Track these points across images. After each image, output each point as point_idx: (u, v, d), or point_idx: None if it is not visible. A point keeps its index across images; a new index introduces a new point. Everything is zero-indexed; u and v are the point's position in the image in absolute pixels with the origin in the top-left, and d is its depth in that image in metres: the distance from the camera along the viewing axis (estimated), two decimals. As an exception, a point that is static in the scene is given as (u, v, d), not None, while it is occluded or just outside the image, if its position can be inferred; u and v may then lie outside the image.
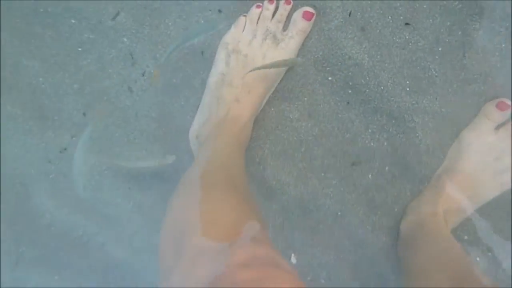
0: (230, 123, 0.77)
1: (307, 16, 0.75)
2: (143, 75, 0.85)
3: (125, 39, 0.83)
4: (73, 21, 0.83)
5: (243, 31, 0.78)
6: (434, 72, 0.77)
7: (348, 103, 0.81)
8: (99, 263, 1.05)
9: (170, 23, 0.82)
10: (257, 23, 0.77)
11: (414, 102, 0.79)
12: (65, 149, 0.93)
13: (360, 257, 0.90)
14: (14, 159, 0.96)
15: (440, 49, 0.76)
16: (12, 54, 0.86)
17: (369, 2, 0.75)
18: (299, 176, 0.87)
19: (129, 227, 0.99)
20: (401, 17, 0.75)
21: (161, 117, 0.88)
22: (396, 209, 0.86)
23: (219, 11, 0.80)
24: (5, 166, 0.97)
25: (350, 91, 0.80)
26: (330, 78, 0.80)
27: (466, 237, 0.85)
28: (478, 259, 0.85)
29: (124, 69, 0.85)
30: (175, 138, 0.89)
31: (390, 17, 0.75)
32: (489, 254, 0.84)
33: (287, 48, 0.77)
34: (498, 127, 0.78)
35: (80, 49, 0.85)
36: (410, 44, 0.76)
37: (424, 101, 0.79)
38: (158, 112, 0.87)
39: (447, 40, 0.75)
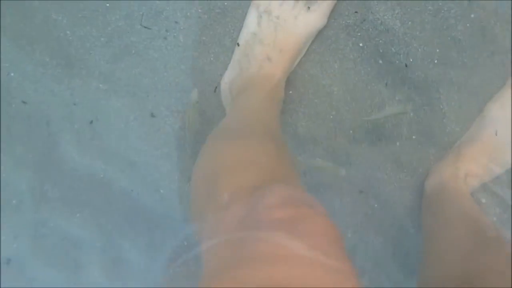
0: (262, 80, 0.85)
1: None
2: (167, 31, 0.91)
3: (156, -2, 0.90)
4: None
5: None
6: (464, 42, 0.84)
7: (377, 72, 0.91)
8: (123, 206, 1.13)
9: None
10: None
11: (441, 72, 0.88)
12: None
13: (384, 213, 1.03)
14: (41, 104, 1.06)
15: (472, 16, 0.82)
16: (42, 9, 0.94)
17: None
18: (329, 135, 0.96)
19: (156, 174, 1.10)
20: (436, -18, 0.83)
21: (190, 70, 0.99)
22: (420, 170, 0.97)
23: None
24: (34, 110, 1.06)
25: (380, 61, 0.90)
26: (361, 44, 0.91)
27: (483, 201, 0.92)
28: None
29: (154, 25, 0.93)
30: (205, 90, 0.97)
31: (424, -17, 0.81)
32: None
33: (319, 10, 0.84)
34: None
35: (108, 4, 0.94)
36: (442, 11, 0.83)
37: (451, 72, 0.88)
38: (187, 66, 0.98)
39: (480, 7, 0.79)
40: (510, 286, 0.59)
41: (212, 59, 0.94)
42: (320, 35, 0.88)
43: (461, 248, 0.71)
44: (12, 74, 1.01)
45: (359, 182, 1.01)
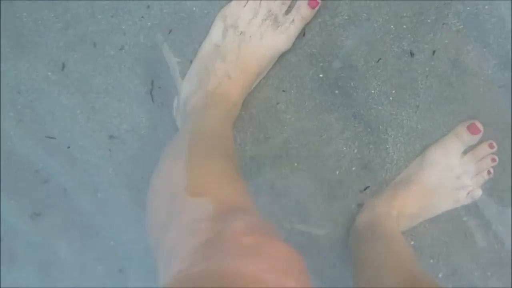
0: (220, 98, 0.78)
1: (312, 3, 0.75)
2: (127, 27, 0.84)
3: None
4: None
5: (244, 6, 0.76)
6: (420, 85, 0.82)
7: (332, 104, 0.85)
8: (58, 202, 1.05)
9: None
10: (260, 1, 0.76)
11: (394, 112, 0.84)
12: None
13: (310, 244, 0.98)
14: None
15: (432, 63, 0.80)
16: None
17: (378, 4, 0.76)
18: (275, 163, 0.92)
19: (96, 174, 1.00)
20: (404, 26, 0.77)
21: (145, 75, 0.88)
22: (353, 206, 0.94)
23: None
24: None
25: (337, 92, 0.84)
26: (321, 75, 0.83)
27: (412, 243, 0.91)
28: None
29: (115, 17, 0.83)
30: (160, 106, 0.90)
31: (393, 26, 0.77)
32: (431, 261, 0.91)
33: (286, 33, 0.77)
34: (466, 151, 0.85)
35: None
36: (406, 55, 0.80)
37: (403, 113, 0.84)
38: (142, 69, 0.88)
39: (440, 56, 0.79)
40: None
41: (169, 65, 0.85)
42: (282, 60, 0.82)
43: None
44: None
45: (290, 212, 0.96)
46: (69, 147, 0.97)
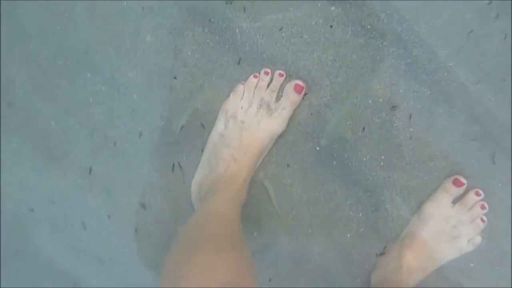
0: (228, 180, 0.88)
1: (298, 89, 0.87)
2: (149, 125, 0.96)
3: (135, 96, 0.94)
4: (88, 75, 0.94)
5: (241, 99, 0.89)
6: (404, 149, 0.91)
7: (332, 173, 0.95)
8: None
9: (178, 84, 0.93)
10: (254, 92, 0.89)
11: (386, 176, 0.93)
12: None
13: None
14: (16, 196, 1.04)
15: (411, 129, 0.90)
16: (26, 98, 0.96)
17: (353, 83, 0.88)
18: (290, 233, 1.00)
19: (120, 268, 1.07)
20: (380, 99, 0.89)
21: (163, 168, 0.99)
22: (366, 266, 1.00)
23: (223, 76, 0.92)
24: (7, 202, 1.05)
25: (334, 163, 0.94)
26: (317, 149, 0.93)
27: None
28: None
29: (131, 122, 0.96)
30: (177, 194, 1.00)
31: (371, 100, 0.89)
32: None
33: (280, 117, 0.89)
34: (455, 200, 0.93)
35: (91, 99, 0.95)
36: (386, 124, 0.90)
37: (394, 175, 0.93)
38: (160, 163, 0.98)
39: (417, 122, 0.89)
40: None
41: (184, 158, 0.97)
42: (282, 139, 0.93)
43: None
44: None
45: (314, 277, 1.02)
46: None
